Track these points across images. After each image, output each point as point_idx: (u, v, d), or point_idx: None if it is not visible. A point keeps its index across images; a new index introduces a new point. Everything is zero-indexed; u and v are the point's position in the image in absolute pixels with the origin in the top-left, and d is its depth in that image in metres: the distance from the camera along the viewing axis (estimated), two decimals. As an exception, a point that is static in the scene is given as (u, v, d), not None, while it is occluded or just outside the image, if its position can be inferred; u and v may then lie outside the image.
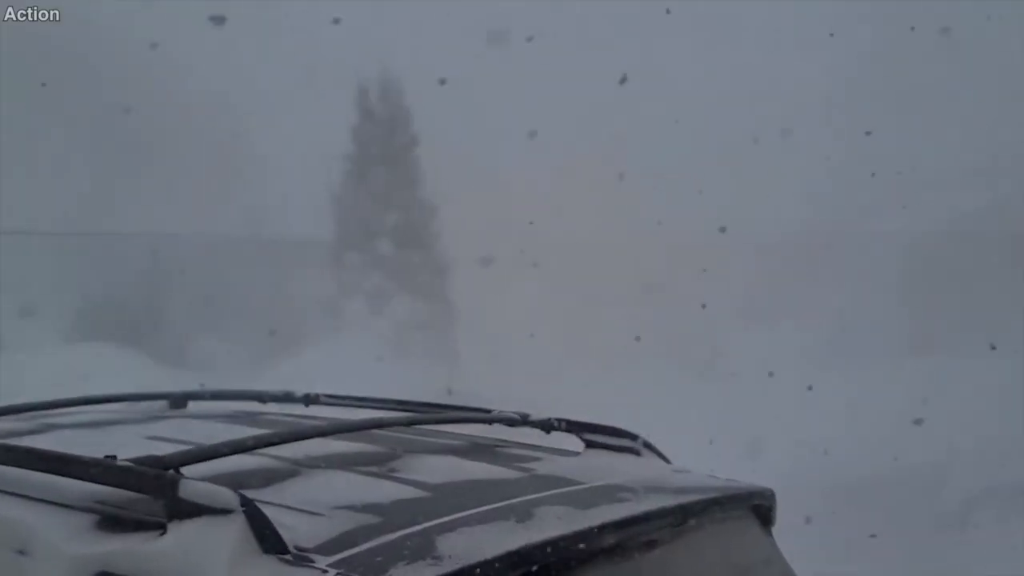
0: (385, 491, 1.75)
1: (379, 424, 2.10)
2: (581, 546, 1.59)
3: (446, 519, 1.57)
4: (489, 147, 18.71)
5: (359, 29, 17.82)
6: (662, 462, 2.23)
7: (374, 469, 1.92)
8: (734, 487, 2.07)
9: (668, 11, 15.20)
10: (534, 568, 1.50)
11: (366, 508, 1.62)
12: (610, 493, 1.83)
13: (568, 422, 2.28)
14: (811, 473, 8.97)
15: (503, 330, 15.91)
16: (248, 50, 18.73)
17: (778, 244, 17.49)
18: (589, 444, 2.29)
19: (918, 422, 8.77)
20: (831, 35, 16.77)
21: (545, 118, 17.57)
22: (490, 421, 2.28)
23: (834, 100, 18.79)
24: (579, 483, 1.89)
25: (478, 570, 1.43)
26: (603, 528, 1.64)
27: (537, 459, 2.13)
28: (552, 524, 1.60)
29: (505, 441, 2.32)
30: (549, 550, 1.54)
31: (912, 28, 15.80)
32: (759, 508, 2.12)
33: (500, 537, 1.52)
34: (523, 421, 2.28)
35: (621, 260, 17.65)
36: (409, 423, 2.20)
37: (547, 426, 2.28)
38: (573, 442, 2.31)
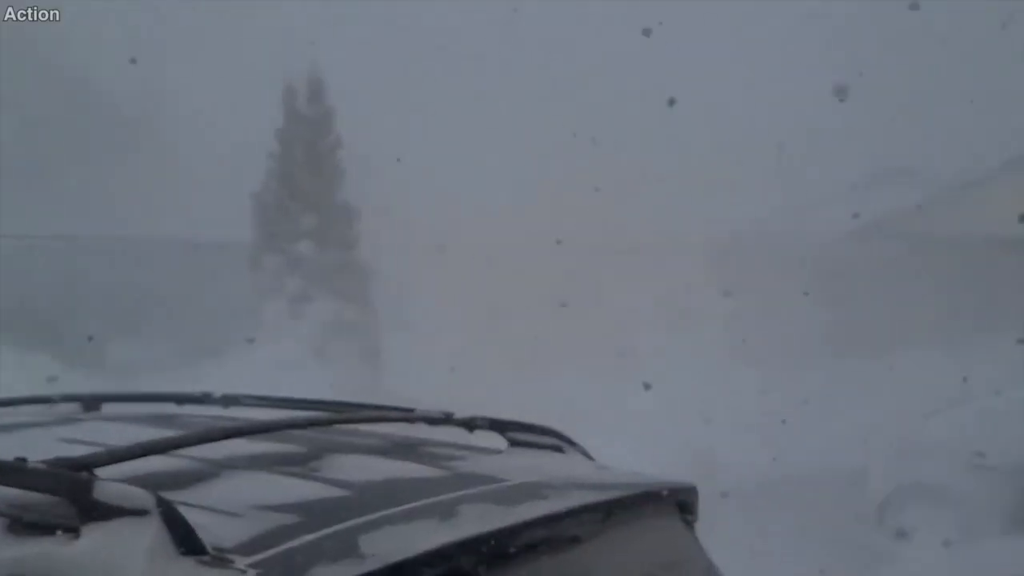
0: (306, 491, 1.72)
1: (299, 424, 2.06)
2: (505, 543, 1.59)
3: (368, 518, 1.55)
4: (414, 150, 18.63)
5: (285, 28, 17.67)
6: (586, 459, 2.24)
7: (295, 469, 1.89)
8: (657, 483, 2.09)
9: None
10: (458, 565, 1.49)
11: (286, 508, 1.59)
12: (534, 490, 1.83)
13: (491, 420, 2.27)
14: (724, 475, 9.12)
15: (427, 332, 15.88)
16: (166, 48, 18.43)
17: (691, 247, 17.72)
18: (513, 442, 2.28)
19: (853, 422, 9.00)
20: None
21: (469, 119, 17.58)
22: (412, 420, 2.26)
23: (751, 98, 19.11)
24: (503, 480, 1.88)
25: (401, 568, 1.41)
26: (527, 525, 1.64)
27: (460, 458, 2.12)
28: (476, 521, 1.59)
29: (428, 440, 2.30)
30: (473, 547, 1.53)
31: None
32: (682, 503, 2.14)
33: (423, 535, 1.51)
34: (446, 420, 2.26)
35: (545, 262, 17.72)
36: (329, 422, 2.16)
37: (470, 425, 2.26)
38: (497, 440, 2.30)
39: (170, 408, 2.71)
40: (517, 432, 2.28)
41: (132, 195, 18.41)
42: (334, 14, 19.50)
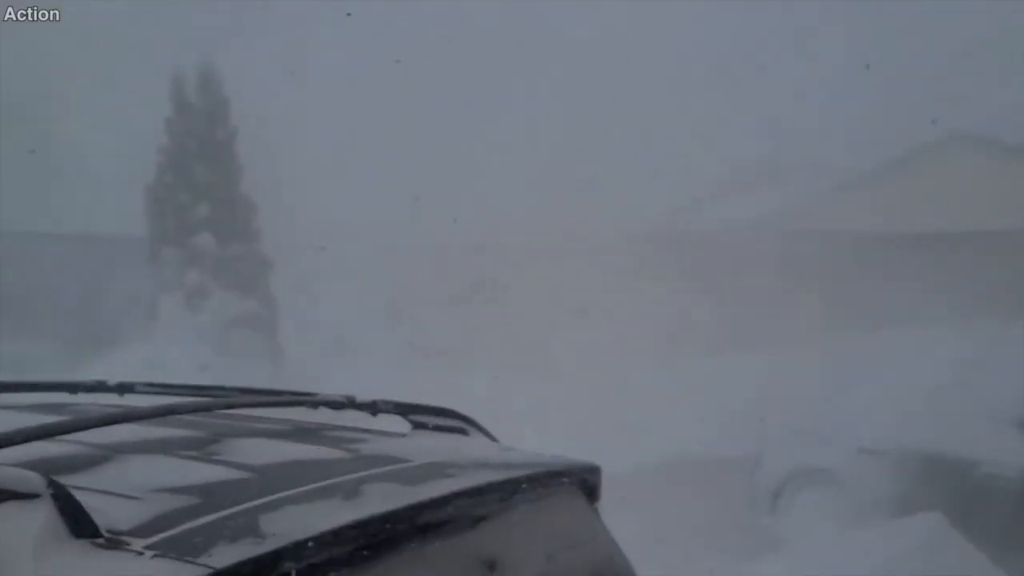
0: (205, 473, 1.69)
1: (198, 408, 2.02)
2: (409, 522, 1.58)
3: (269, 499, 1.53)
4: (312, 140, 18.41)
5: (177, 19, 17.29)
6: (489, 441, 2.25)
7: (194, 453, 1.85)
8: (561, 462, 2.11)
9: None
10: (361, 544, 1.48)
11: (185, 490, 1.56)
12: (438, 470, 1.83)
13: (395, 404, 2.26)
14: (638, 458, 9.29)
15: (330, 326, 15.74)
16: (57, 40, 17.86)
17: (585, 244, 17.91)
18: (416, 425, 2.28)
19: (746, 412, 9.21)
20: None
21: (372, 111, 17.45)
22: (315, 405, 2.24)
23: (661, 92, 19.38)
24: (406, 461, 1.88)
25: (303, 547, 1.39)
26: (431, 503, 1.64)
27: (363, 440, 2.11)
28: (379, 501, 1.58)
29: (330, 424, 2.29)
30: (376, 526, 1.52)
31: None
32: (585, 483, 2.16)
33: (326, 515, 1.49)
34: (349, 404, 2.24)
35: (451, 256, 17.73)
36: (230, 407, 2.12)
37: (373, 408, 2.25)
38: (400, 424, 2.29)
39: (64, 397, 2.63)
40: (420, 415, 2.28)
41: (21, 190, 17.82)
42: (228, 6, 19.16)
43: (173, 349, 14.31)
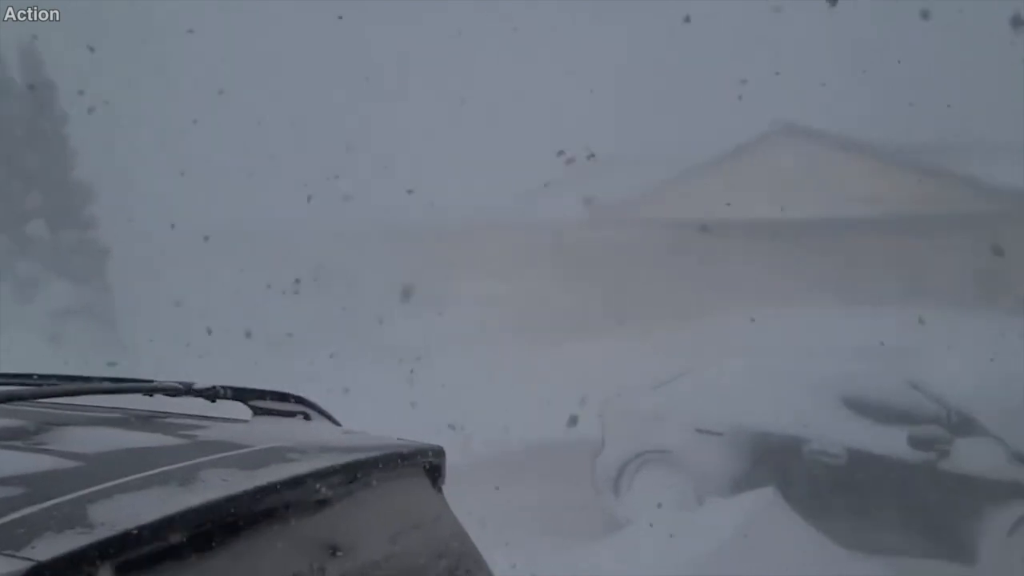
0: (30, 463, 1.62)
1: (23, 396, 1.93)
2: (250, 507, 1.55)
3: (100, 487, 1.47)
4: (156, 125, 17.82)
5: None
6: (332, 425, 2.23)
7: (18, 443, 1.77)
8: (404, 445, 2.11)
9: None
10: (199, 532, 1.45)
11: (8, 481, 1.48)
12: (279, 454, 1.80)
13: (234, 389, 2.21)
14: (481, 443, 9.36)
15: (169, 313, 15.26)
16: None
17: (424, 233, 17.94)
18: (257, 411, 2.24)
19: (589, 395, 9.38)
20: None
21: (205, 93, 16.98)
22: (150, 392, 2.17)
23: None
24: (246, 447, 1.84)
25: (134, 536, 1.34)
26: (271, 488, 1.61)
27: (202, 427, 2.06)
28: (217, 486, 1.55)
29: (167, 412, 2.22)
30: (215, 512, 1.48)
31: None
32: (429, 466, 2.16)
33: (160, 502, 1.45)
34: (186, 390, 2.18)
35: (291, 243, 17.46)
36: (60, 394, 2.03)
37: (212, 395, 2.19)
38: (241, 411, 2.25)
39: None
40: (261, 400, 2.24)
41: None
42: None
43: (1, 340, 13.62)
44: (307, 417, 2.23)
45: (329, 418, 2.25)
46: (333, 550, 1.71)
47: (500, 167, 19.14)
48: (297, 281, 13.54)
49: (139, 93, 18.25)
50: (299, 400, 2.26)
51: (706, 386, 8.83)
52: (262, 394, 2.24)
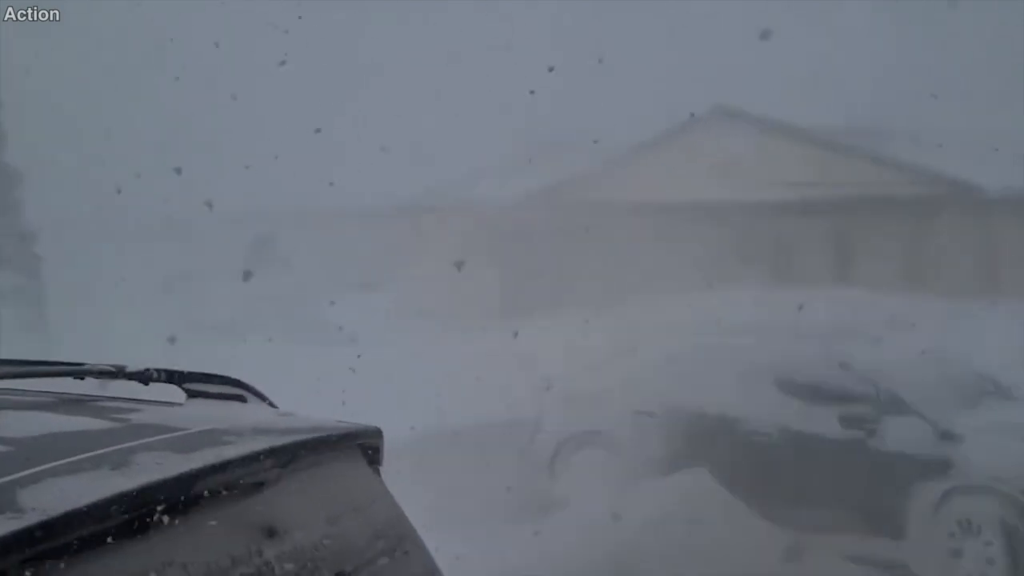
0: None
1: None
2: (183, 490, 1.53)
3: (28, 472, 1.43)
4: (82, 107, 17.46)
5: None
6: (268, 407, 2.21)
7: None
8: (342, 427, 2.10)
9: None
10: (132, 515, 1.43)
11: None
12: (214, 437, 1.78)
13: (168, 372, 2.18)
14: (422, 426, 9.35)
15: (102, 299, 15.00)
16: None
17: (365, 216, 17.84)
18: (192, 394, 2.21)
19: (529, 378, 9.43)
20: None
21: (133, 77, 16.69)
22: (82, 375, 2.13)
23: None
24: (181, 429, 1.82)
25: (65, 520, 1.32)
26: (206, 471, 1.59)
27: (135, 410, 2.02)
28: (151, 470, 1.52)
29: (98, 395, 2.18)
30: (148, 496, 1.46)
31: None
32: (366, 447, 2.16)
33: (92, 486, 1.42)
34: (118, 373, 2.14)
35: (230, 226, 17.24)
36: None
37: (145, 377, 2.16)
38: (175, 394, 2.22)
39: None
40: (196, 383, 2.21)
41: None
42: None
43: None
44: (243, 400, 2.21)
45: (265, 400, 2.23)
46: (271, 532, 1.70)
47: (430, 151, 19.07)
48: (234, 266, 13.39)
49: (75, 79, 17.85)
50: (234, 383, 2.23)
51: (641, 368, 8.90)
52: (196, 376, 2.21)
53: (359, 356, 11.53)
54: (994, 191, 16.21)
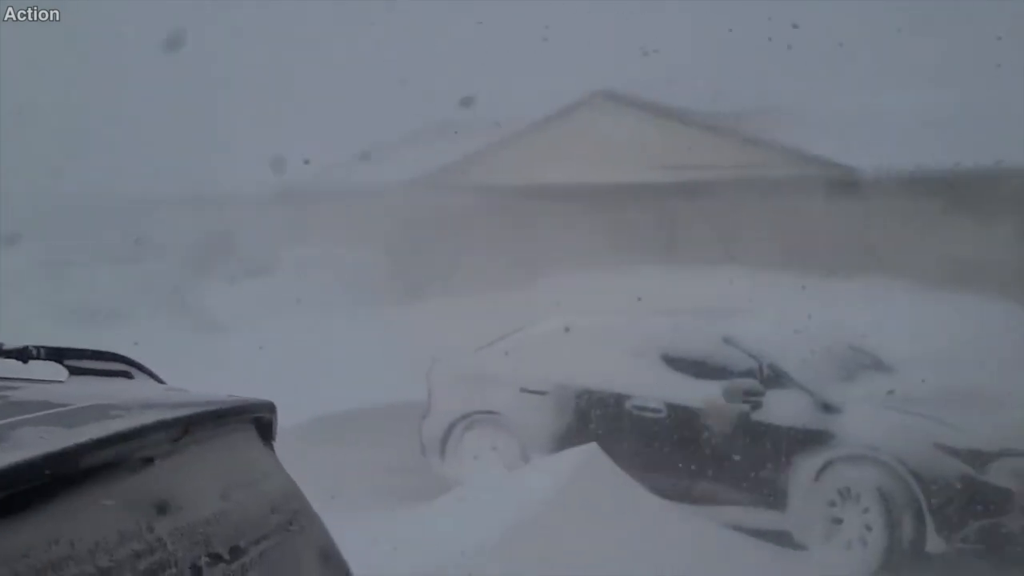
0: None
1: None
2: (68, 466, 1.48)
3: None
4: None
5: None
6: (156, 383, 2.15)
7: None
8: (234, 401, 2.05)
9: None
10: (14, 492, 1.37)
11: None
12: (101, 412, 1.72)
13: (47, 349, 2.10)
14: (314, 408, 9.27)
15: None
16: None
17: (249, 198, 17.52)
18: (74, 371, 2.13)
19: (420, 360, 9.39)
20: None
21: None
22: (-46, 355, 2.03)
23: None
24: (64, 405, 1.75)
25: None
26: (92, 445, 1.54)
27: (13, 388, 1.94)
28: (35, 444, 1.47)
29: None
30: (32, 471, 1.40)
31: None
32: (259, 421, 2.12)
33: None
34: (-5, 352, 2.06)
35: (109, 214, 16.81)
36: None
37: (24, 355, 2.07)
38: (57, 372, 2.14)
39: None
40: (79, 360, 2.13)
41: None
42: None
43: None
44: (129, 376, 2.14)
45: (152, 376, 2.17)
46: (162, 507, 1.65)
47: (315, 134, 18.79)
48: (114, 252, 13.03)
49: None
50: (120, 358, 2.16)
51: (530, 347, 8.95)
52: (79, 353, 2.14)
53: (241, 343, 11.36)
54: (867, 171, 16.76)
